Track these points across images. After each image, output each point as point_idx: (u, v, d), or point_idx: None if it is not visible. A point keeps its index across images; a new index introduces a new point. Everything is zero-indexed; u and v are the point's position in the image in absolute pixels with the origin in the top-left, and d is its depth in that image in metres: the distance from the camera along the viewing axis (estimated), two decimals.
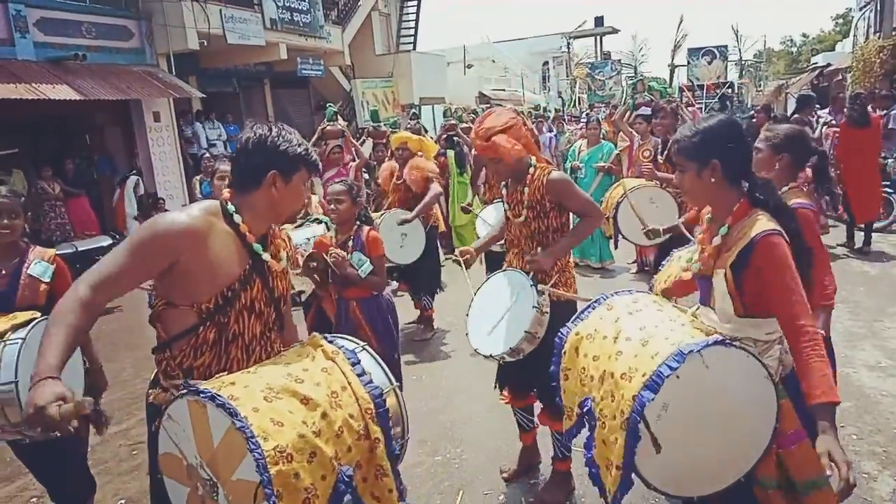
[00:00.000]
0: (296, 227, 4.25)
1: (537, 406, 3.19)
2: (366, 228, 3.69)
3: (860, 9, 21.21)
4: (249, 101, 16.17)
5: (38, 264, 2.74)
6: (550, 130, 13.33)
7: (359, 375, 1.83)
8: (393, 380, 1.96)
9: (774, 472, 1.94)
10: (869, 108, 7.62)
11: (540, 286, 2.83)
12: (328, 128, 7.64)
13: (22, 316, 2.55)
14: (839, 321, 4.97)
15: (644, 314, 2.08)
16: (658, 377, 1.77)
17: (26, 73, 9.02)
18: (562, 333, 2.27)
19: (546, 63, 34.29)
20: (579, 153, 7.83)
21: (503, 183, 3.15)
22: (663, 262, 2.81)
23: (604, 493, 2.01)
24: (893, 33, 17.13)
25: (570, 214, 3.07)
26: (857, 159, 7.26)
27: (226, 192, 1.92)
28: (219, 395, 1.58)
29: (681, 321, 2.03)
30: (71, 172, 10.78)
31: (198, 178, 9.68)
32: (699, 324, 2.04)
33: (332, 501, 1.64)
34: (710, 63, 28.67)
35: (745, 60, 36.18)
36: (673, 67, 32.94)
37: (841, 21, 45.12)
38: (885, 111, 8.36)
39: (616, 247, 5.93)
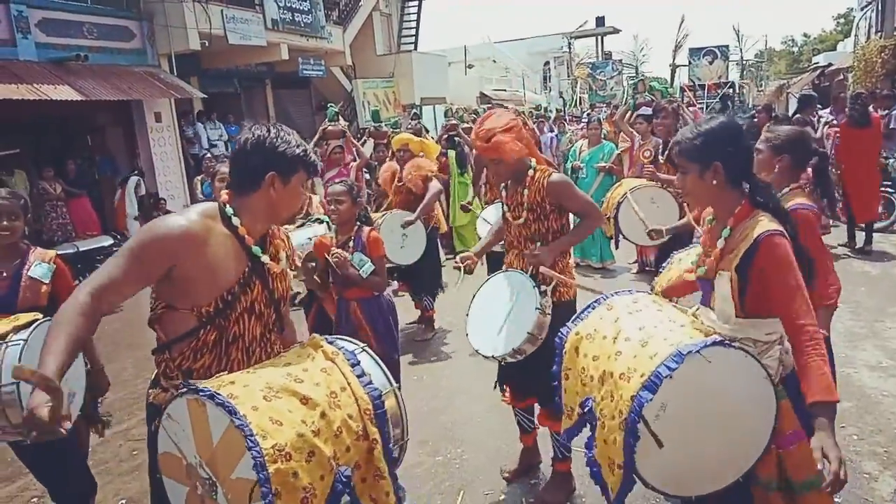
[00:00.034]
0: (297, 227, 4.26)
1: (537, 407, 3.19)
2: (366, 229, 3.69)
3: (861, 8, 21.18)
4: (251, 102, 16.19)
5: (39, 266, 2.73)
6: (552, 130, 13.34)
7: (358, 376, 1.84)
8: (393, 381, 1.96)
9: (775, 473, 1.95)
10: (871, 108, 7.61)
11: (542, 287, 2.83)
12: (329, 128, 7.66)
13: (24, 317, 2.55)
14: (840, 321, 4.96)
15: (644, 314, 2.08)
16: (656, 377, 1.77)
17: (28, 74, 9.04)
18: (562, 333, 2.27)
19: (547, 63, 34.28)
20: (580, 153, 7.83)
21: (503, 185, 3.15)
22: (664, 264, 2.82)
23: (606, 493, 2.01)
24: (895, 33, 17.11)
25: (570, 216, 3.08)
26: (858, 159, 7.26)
27: (224, 194, 1.91)
28: (218, 394, 1.58)
29: (680, 322, 2.03)
30: (72, 173, 10.81)
31: (199, 178, 9.71)
32: (699, 324, 2.04)
33: (330, 501, 1.65)
34: (711, 63, 28.61)
35: (747, 60, 36.12)
36: (674, 67, 32.89)
37: (842, 21, 45.10)
38: (886, 111, 8.35)
39: (617, 247, 5.93)
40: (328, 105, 8.73)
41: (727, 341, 1.86)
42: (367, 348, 2.03)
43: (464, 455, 3.62)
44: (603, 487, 2.02)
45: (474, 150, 5.79)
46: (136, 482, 3.56)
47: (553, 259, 2.91)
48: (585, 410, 2.07)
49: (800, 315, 1.81)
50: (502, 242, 3.30)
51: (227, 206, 1.88)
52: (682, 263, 2.63)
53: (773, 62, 49.35)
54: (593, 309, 2.23)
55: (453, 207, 8.03)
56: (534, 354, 2.80)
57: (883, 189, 7.80)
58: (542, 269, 2.85)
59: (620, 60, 32.46)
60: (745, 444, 1.89)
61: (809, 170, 2.91)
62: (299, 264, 3.48)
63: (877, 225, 7.62)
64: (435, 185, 5.54)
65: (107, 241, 8.85)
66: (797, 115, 8.18)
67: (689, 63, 29.58)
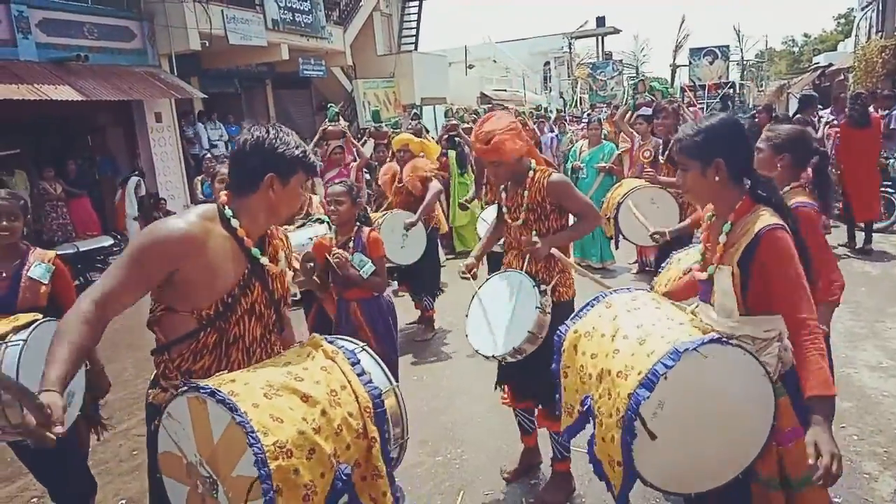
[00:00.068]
0: (297, 227, 4.26)
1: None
2: (366, 229, 3.69)
3: (862, 9, 21.15)
4: (251, 102, 16.20)
5: (39, 266, 2.74)
6: (552, 131, 13.33)
7: (358, 375, 1.84)
8: (393, 380, 1.97)
9: (776, 471, 1.95)
10: (871, 108, 7.61)
11: (542, 286, 2.83)
12: (330, 128, 7.67)
13: (24, 318, 2.56)
14: (840, 321, 4.96)
15: (642, 312, 2.08)
16: (653, 375, 1.78)
17: (28, 74, 9.05)
18: (560, 331, 2.28)
19: (547, 63, 34.27)
20: (580, 153, 7.84)
21: (502, 186, 3.15)
22: (664, 264, 2.81)
23: (610, 488, 2.01)
24: (895, 33, 17.10)
25: (569, 217, 3.08)
26: (858, 159, 7.26)
27: (223, 196, 1.91)
28: (219, 391, 1.58)
29: (679, 320, 2.03)
30: (73, 173, 10.82)
31: (199, 178, 9.72)
32: (698, 322, 2.04)
33: (330, 499, 1.65)
34: (711, 63, 28.63)
35: (747, 60, 36.09)
36: (674, 67, 32.86)
37: (843, 21, 45.09)
38: (886, 111, 8.35)
39: (617, 247, 5.93)
40: (328, 105, 8.73)
41: (725, 339, 1.86)
42: (366, 347, 2.04)
43: (464, 455, 3.62)
44: (607, 483, 2.03)
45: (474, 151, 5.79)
46: (136, 482, 3.56)
47: (549, 250, 2.91)
48: (585, 408, 2.07)
49: (801, 309, 1.81)
50: (501, 242, 3.31)
51: (226, 207, 1.87)
52: (681, 263, 2.63)
53: (773, 62, 49.37)
54: (592, 307, 2.24)
55: (453, 207, 8.04)
56: (533, 354, 2.80)
57: (883, 189, 7.80)
58: (553, 251, 2.86)
59: (621, 61, 32.44)
60: (744, 442, 1.89)
61: (810, 169, 2.91)
62: (297, 265, 3.48)
63: (877, 225, 7.62)
64: (435, 186, 5.55)
65: (107, 242, 8.86)
66: (798, 116, 8.18)
67: (690, 63, 29.60)
